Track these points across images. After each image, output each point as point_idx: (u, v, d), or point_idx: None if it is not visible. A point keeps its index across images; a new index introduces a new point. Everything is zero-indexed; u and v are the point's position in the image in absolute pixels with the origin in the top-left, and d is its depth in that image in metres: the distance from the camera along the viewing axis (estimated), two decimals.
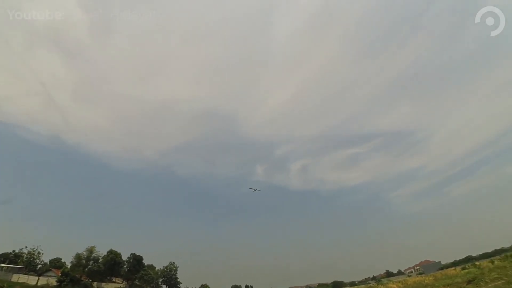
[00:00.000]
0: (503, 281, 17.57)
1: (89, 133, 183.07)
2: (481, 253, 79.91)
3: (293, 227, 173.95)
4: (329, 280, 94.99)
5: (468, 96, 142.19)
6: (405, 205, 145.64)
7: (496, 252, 72.50)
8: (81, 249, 60.46)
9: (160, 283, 78.74)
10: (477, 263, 50.86)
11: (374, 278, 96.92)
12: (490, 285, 18.23)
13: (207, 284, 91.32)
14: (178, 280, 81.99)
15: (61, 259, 69.83)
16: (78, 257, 58.61)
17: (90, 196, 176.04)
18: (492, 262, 40.43)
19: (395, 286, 38.32)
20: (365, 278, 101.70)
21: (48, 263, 69.00)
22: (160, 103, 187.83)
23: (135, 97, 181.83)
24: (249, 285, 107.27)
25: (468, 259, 76.26)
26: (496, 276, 22.25)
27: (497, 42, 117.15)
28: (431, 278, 39.36)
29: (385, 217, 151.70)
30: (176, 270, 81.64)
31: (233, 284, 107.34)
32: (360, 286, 67.30)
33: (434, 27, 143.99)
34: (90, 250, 60.06)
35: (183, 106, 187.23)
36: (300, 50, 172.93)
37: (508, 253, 51.65)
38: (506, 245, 76.54)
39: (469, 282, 24.11)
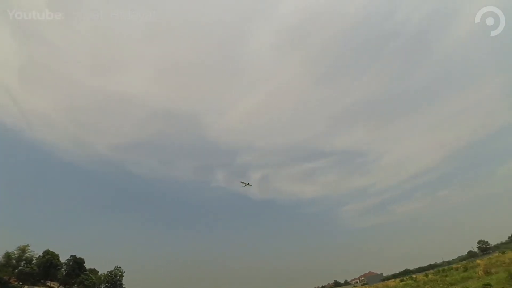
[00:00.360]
0: None
1: (34, 119, 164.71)
2: (417, 267, 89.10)
3: (248, 235, 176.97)
4: (278, 287, 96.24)
5: (415, 125, 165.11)
6: (353, 220, 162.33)
7: (430, 267, 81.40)
8: (12, 248, 53.37)
9: None
10: (413, 276, 56.13)
11: (322, 287, 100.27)
12: None
13: None
14: (124, 286, 75.94)
15: None
16: (7, 256, 51.74)
17: (30, 188, 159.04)
18: (427, 275, 44.40)
19: None
20: (314, 287, 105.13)
21: None
22: (116, 97, 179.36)
23: (91, 87, 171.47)
24: None
25: (406, 272, 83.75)
26: None
27: (446, 79, 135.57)
28: None
29: (335, 230, 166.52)
30: (122, 276, 75.46)
31: None
32: None
33: (391, 60, 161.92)
34: (23, 250, 53.56)
35: (141, 102, 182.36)
36: (270, 63, 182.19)
37: (440, 268, 56.77)
38: (439, 261, 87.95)
39: None
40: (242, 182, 71.19)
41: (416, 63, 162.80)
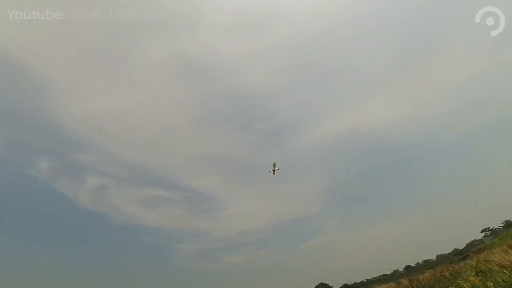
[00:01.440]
0: None
1: None
2: None
3: (69, 250, 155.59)
4: None
5: (260, 192, 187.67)
6: (185, 259, 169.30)
7: None
8: None
9: None
10: None
11: None
12: None
13: None
14: None
15: None
16: None
17: None
18: None
19: None
20: None
21: None
22: None
23: None
24: None
25: None
26: None
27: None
28: None
29: (165, 263, 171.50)
30: None
31: None
32: None
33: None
34: None
35: None
36: None
37: None
38: None
39: None
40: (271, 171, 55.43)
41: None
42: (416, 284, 17.16)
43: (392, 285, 20.94)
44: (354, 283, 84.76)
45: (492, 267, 9.12)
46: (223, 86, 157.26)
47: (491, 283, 6.34)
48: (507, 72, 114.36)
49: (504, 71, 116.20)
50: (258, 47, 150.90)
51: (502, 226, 58.71)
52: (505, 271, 7.71)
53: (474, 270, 9.06)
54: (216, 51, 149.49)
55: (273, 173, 59.11)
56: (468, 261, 19.04)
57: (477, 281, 6.83)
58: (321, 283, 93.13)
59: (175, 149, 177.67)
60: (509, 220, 57.95)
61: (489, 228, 62.68)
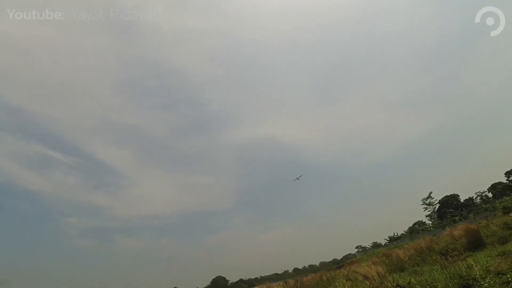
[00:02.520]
0: None
1: None
2: None
3: None
4: None
5: (173, 178, 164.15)
6: (72, 235, 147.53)
7: None
8: None
9: None
10: None
11: None
12: None
13: None
14: None
15: None
16: None
17: None
18: None
19: None
20: None
21: None
22: None
23: None
24: None
25: None
26: None
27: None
28: None
29: (48, 238, 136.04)
30: None
31: None
32: None
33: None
34: None
35: None
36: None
37: None
38: None
39: None
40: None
41: None
42: (300, 285, 19.59)
43: (281, 283, 23.30)
44: (249, 279, 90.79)
45: (358, 277, 11.29)
46: (153, 54, 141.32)
47: None
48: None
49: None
50: (199, 27, 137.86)
51: (371, 246, 72.52)
52: (366, 281, 9.70)
53: (345, 277, 10.90)
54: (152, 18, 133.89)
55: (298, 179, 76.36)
56: (342, 270, 22.76)
57: (348, 286, 8.38)
58: (219, 276, 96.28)
59: (80, 106, 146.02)
60: (376, 242, 72.19)
61: (361, 245, 76.39)
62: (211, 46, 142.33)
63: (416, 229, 58.17)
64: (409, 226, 63.84)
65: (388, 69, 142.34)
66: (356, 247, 77.36)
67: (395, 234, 63.35)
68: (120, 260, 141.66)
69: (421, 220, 63.16)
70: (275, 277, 72.41)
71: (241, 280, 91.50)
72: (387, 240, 64.50)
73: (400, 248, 22.52)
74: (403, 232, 61.58)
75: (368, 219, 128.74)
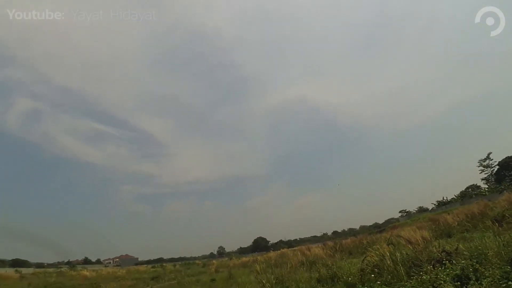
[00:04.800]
0: (175, 281, 24.28)
1: None
2: (170, 257, 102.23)
3: None
4: (8, 256, 74.58)
5: (212, 147, 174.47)
6: (128, 202, 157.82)
7: (180, 259, 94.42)
8: None
9: None
10: (164, 264, 64.17)
11: (69, 263, 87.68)
12: (166, 283, 24.59)
13: None
14: None
15: None
16: None
17: None
18: (175, 266, 53.93)
19: (88, 273, 39.28)
20: (58, 262, 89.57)
21: None
22: None
23: None
24: None
25: (160, 260, 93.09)
26: (173, 276, 29.49)
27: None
28: (124, 271, 44.09)
29: (109, 205, 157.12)
30: None
31: None
32: (48, 269, 58.25)
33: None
34: None
35: None
36: None
37: (187, 262, 69.85)
38: (188, 255, 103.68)
39: (153, 278, 30.28)
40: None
41: None
42: (339, 247, 20.32)
43: (321, 245, 24.31)
44: (288, 240, 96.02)
45: (400, 241, 11.29)
46: (184, 21, 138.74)
47: (398, 254, 7.96)
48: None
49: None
50: None
51: (416, 210, 70.04)
52: (410, 246, 9.71)
53: (387, 241, 10.99)
54: None
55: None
56: (384, 234, 22.68)
57: (388, 250, 8.53)
58: (260, 237, 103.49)
59: (123, 84, 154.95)
60: (422, 206, 69.33)
61: (405, 210, 74.17)
62: (242, 7, 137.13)
63: (469, 194, 53.95)
64: (461, 190, 59.42)
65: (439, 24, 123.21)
66: (400, 212, 75.30)
67: (444, 198, 59.95)
68: (170, 222, 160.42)
69: (475, 183, 58.20)
70: (313, 239, 74.63)
71: (281, 241, 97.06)
72: (434, 204, 61.51)
73: (448, 213, 21.47)
74: (454, 197, 57.80)
75: (413, 183, 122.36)
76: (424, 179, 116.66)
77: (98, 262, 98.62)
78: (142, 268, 55.32)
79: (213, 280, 19.21)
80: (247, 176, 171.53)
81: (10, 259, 72.57)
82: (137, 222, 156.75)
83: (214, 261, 51.09)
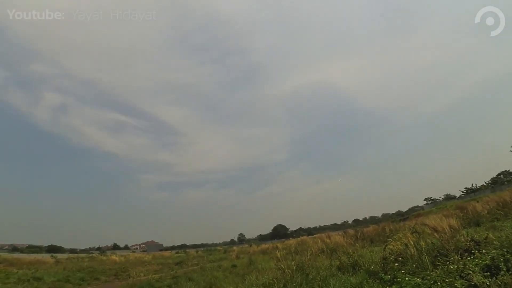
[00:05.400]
0: (198, 266, 24.92)
1: None
2: (192, 244, 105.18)
3: (24, 170, 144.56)
4: (45, 243, 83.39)
5: (231, 134, 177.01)
6: (149, 190, 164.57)
7: (202, 245, 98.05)
8: None
9: None
10: (187, 250, 66.47)
11: (99, 248, 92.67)
12: (189, 268, 25.15)
13: None
14: None
15: None
16: None
17: None
18: (197, 251, 56.01)
19: (117, 258, 41.29)
20: (89, 248, 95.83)
21: None
22: None
23: None
24: None
25: (183, 247, 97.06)
26: (195, 262, 30.61)
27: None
28: (150, 257, 45.26)
29: (127, 193, 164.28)
30: None
31: None
32: (80, 254, 61.61)
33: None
34: None
35: None
36: None
37: (209, 248, 71.18)
38: (209, 242, 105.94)
39: (177, 263, 31.05)
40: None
41: None
42: (360, 235, 20.06)
43: (341, 233, 24.16)
44: (308, 228, 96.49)
45: (426, 230, 10.96)
46: (197, 8, 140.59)
47: (423, 242, 7.76)
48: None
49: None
50: None
51: (442, 198, 67.32)
52: (435, 234, 9.42)
53: (411, 229, 10.70)
54: None
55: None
56: (407, 222, 22.10)
57: (412, 238, 8.34)
58: (279, 225, 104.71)
59: (142, 73, 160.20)
60: (449, 194, 66.47)
61: (431, 197, 71.62)
62: None
63: (501, 180, 51.03)
64: (492, 176, 56.24)
65: None
66: (425, 199, 73.11)
67: (474, 185, 57.14)
68: (191, 210, 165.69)
69: (508, 170, 54.81)
70: (334, 227, 74.57)
71: (300, 228, 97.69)
72: (463, 192, 59.01)
73: (477, 201, 20.54)
74: (484, 184, 54.93)
75: (439, 169, 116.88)
76: (452, 164, 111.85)
77: (126, 248, 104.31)
78: (167, 253, 57.77)
79: (234, 266, 19.72)
80: (267, 163, 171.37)
81: (46, 245, 79.34)
82: (160, 210, 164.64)
83: (234, 248, 52.62)
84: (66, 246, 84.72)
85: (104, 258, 45.57)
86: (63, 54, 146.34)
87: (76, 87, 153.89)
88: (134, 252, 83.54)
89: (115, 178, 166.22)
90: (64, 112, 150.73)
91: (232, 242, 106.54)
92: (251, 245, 51.30)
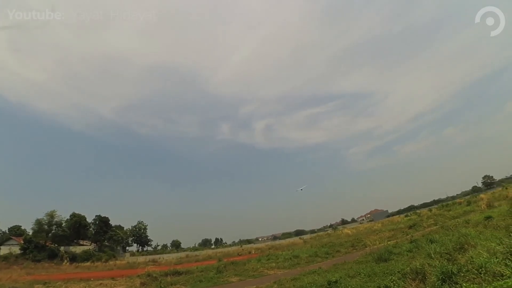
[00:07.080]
0: (437, 226, 20.73)
1: (32, 90, 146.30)
2: (421, 203, 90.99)
3: (258, 183, 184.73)
4: (292, 229, 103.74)
5: (419, 65, 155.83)
6: (360, 162, 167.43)
7: (434, 202, 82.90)
8: (41, 215, 54.22)
9: (130, 241, 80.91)
10: (418, 211, 58.13)
11: (331, 226, 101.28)
12: (426, 229, 21.40)
13: (178, 240, 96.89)
14: (149, 237, 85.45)
15: (21, 226, 65.04)
16: (38, 223, 52.98)
17: (44, 159, 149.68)
18: (430, 210, 47.62)
19: (349, 231, 41.93)
20: (324, 226, 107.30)
21: (7, 232, 66.65)
22: (108, 58, 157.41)
23: (80, 51, 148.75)
24: (219, 238, 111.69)
25: (411, 208, 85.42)
26: (432, 222, 26.53)
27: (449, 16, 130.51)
28: (379, 225, 44.36)
29: (342, 173, 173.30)
30: (145, 229, 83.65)
31: (203, 238, 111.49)
32: (318, 233, 72.76)
33: None
34: (51, 215, 54.38)
35: (134, 59, 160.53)
36: (262, 7, 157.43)
37: (444, 203, 57.51)
38: (442, 196, 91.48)
39: (410, 227, 28.14)
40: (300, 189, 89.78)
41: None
42: None
43: None
44: None
45: None
46: None
47: None
48: None
49: None
50: None
51: None
52: None
53: None
54: None
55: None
56: None
57: None
58: None
59: (308, 62, 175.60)
60: None
61: None
62: None
63: None
64: None
65: None
66: None
67: None
68: (408, 166, 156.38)
69: None
70: None
71: None
72: None
73: None
74: None
75: None
76: None
77: (353, 220, 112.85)
78: (396, 218, 56.84)
79: (488, 217, 15.02)
80: (487, 73, 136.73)
81: (293, 230, 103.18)
82: (375, 176, 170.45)
83: (482, 195, 43.19)
84: (307, 228, 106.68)
85: (339, 232, 51.82)
86: (254, 88, 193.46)
87: (271, 106, 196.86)
88: (362, 223, 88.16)
89: (327, 162, 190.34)
90: (270, 130, 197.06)
91: (475, 190, 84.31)
92: (506, 188, 40.54)
